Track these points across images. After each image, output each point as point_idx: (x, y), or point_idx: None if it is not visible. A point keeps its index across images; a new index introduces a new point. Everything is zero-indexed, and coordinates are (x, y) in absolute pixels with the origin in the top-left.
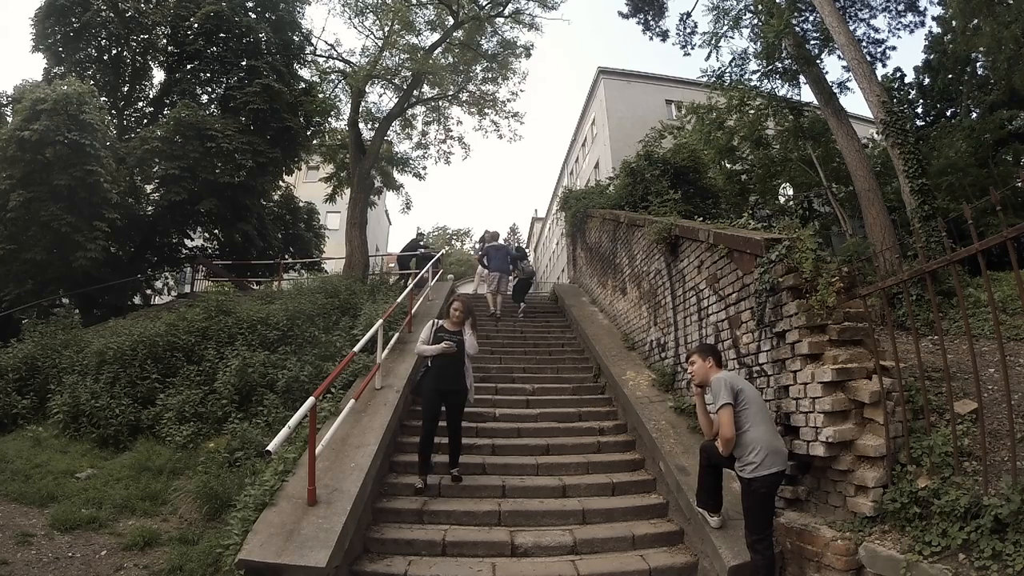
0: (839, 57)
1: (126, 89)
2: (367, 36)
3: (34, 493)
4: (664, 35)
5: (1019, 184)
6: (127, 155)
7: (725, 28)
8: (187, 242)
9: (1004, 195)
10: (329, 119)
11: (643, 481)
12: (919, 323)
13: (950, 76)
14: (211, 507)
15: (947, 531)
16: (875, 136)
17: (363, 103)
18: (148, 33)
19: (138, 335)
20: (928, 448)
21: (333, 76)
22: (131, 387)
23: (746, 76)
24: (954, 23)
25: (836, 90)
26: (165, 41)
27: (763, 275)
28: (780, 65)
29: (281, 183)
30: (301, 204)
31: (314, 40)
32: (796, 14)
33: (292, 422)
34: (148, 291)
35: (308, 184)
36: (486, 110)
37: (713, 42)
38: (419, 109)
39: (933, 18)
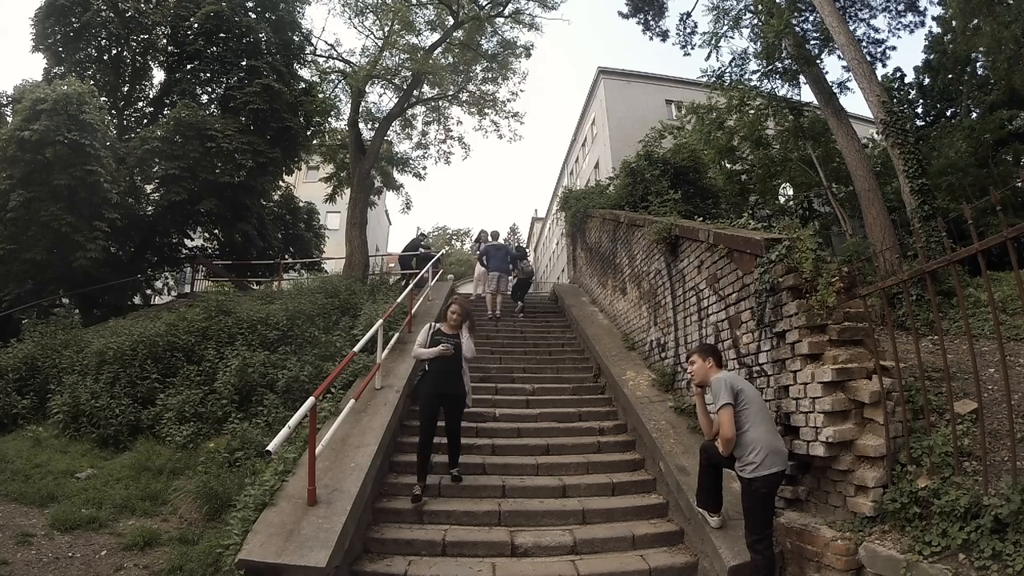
0: (839, 57)
1: (126, 89)
2: (367, 36)
3: (34, 493)
4: (664, 35)
5: (1019, 184)
6: (127, 155)
7: (725, 28)
8: (187, 242)
9: (1004, 195)
10: (329, 119)
11: (643, 481)
12: (919, 323)
13: (950, 76)
14: (211, 507)
15: (947, 531)
16: (875, 136)
17: (363, 103)
18: (148, 33)
19: (138, 335)
20: (928, 448)
21: (333, 76)
22: (131, 387)
23: (746, 76)
24: (954, 23)
25: (836, 90)
26: (165, 41)
27: (763, 275)
28: (780, 65)
29: (281, 183)
30: (301, 204)
31: (314, 40)
32: (796, 14)
33: (292, 422)
34: (148, 291)
35: (308, 184)
36: (486, 110)
37: (713, 42)
38: (419, 109)
39: (933, 18)
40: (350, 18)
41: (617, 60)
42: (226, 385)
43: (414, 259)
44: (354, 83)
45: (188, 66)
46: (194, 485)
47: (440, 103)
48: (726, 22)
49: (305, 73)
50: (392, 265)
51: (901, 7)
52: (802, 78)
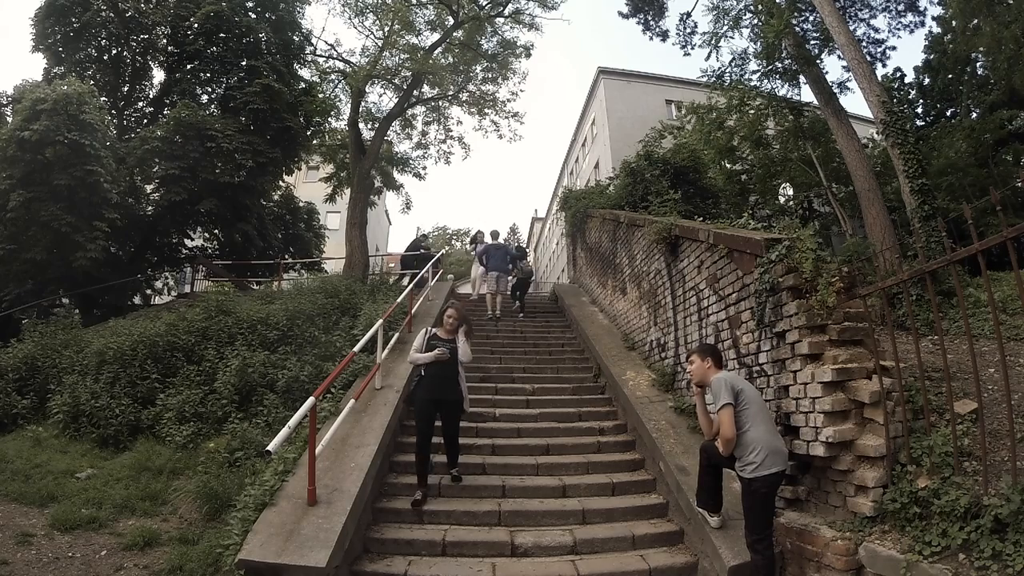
0: (839, 57)
1: (126, 89)
2: (367, 36)
3: (34, 493)
4: (664, 35)
5: (1019, 184)
6: (127, 155)
7: (725, 28)
8: (187, 242)
9: (1004, 195)
10: (329, 119)
11: (643, 481)
12: (919, 323)
13: (950, 76)
14: (211, 507)
15: (947, 531)
16: (875, 136)
17: (363, 103)
18: (148, 33)
19: (138, 335)
20: (928, 448)
21: (333, 76)
22: (131, 387)
23: (746, 76)
24: (954, 23)
25: (836, 90)
26: (165, 41)
27: (763, 275)
28: (780, 65)
29: (281, 183)
30: (301, 204)
31: (314, 40)
32: (796, 14)
33: (292, 422)
34: (148, 291)
35: (308, 184)
36: (486, 110)
37: (713, 42)
38: (419, 109)
39: (933, 18)
40: (350, 18)
41: (617, 60)
42: (226, 385)
43: (415, 259)
44: (354, 83)
45: (188, 66)
46: (194, 485)
47: (440, 103)
48: (726, 22)
49: (305, 73)
50: (392, 265)
51: (901, 7)
52: (802, 78)
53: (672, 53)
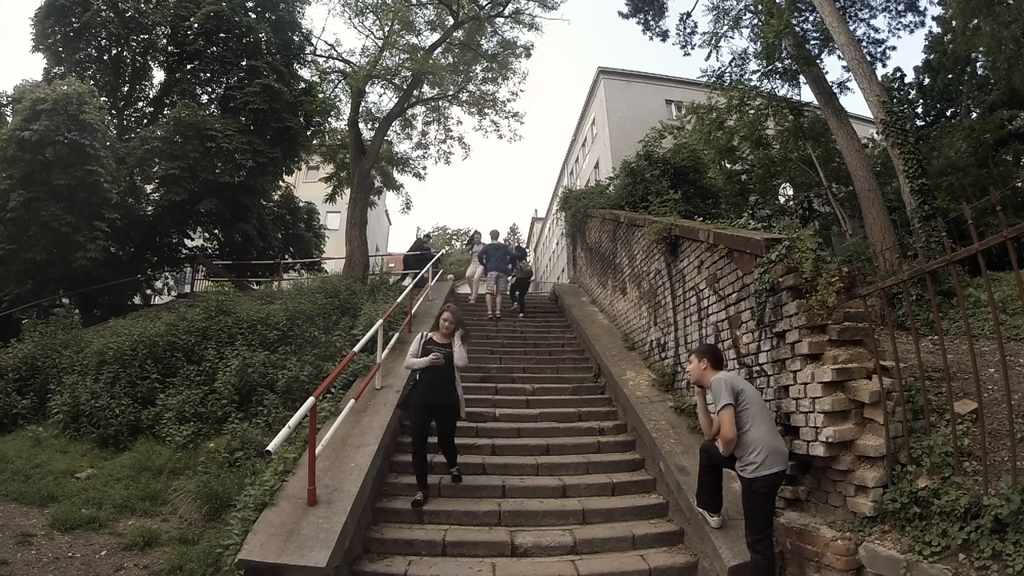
0: (839, 57)
1: (126, 89)
2: (367, 36)
3: (34, 493)
4: (664, 35)
5: (1019, 184)
6: (127, 155)
7: (725, 28)
8: (187, 242)
9: (1004, 195)
10: (329, 119)
11: (643, 481)
12: (919, 323)
13: (950, 76)
14: (211, 507)
15: (947, 531)
16: (875, 136)
17: (363, 103)
18: (148, 33)
19: (138, 335)
20: (928, 448)
21: (333, 76)
22: (131, 387)
23: (746, 76)
24: (954, 23)
25: (836, 90)
26: (165, 41)
27: (763, 275)
28: (780, 65)
29: (281, 183)
30: (301, 204)
31: (314, 40)
32: (796, 14)
33: (292, 422)
34: (148, 291)
35: (308, 184)
36: (486, 110)
37: (713, 42)
38: (419, 109)
39: (933, 18)
40: (350, 18)
41: (617, 60)
42: (226, 385)
43: (418, 259)
44: (354, 83)
45: (188, 66)
46: (194, 485)
47: (440, 103)
48: (726, 22)
49: (305, 73)
50: (392, 265)
51: (901, 7)
52: (802, 78)
53: (672, 53)
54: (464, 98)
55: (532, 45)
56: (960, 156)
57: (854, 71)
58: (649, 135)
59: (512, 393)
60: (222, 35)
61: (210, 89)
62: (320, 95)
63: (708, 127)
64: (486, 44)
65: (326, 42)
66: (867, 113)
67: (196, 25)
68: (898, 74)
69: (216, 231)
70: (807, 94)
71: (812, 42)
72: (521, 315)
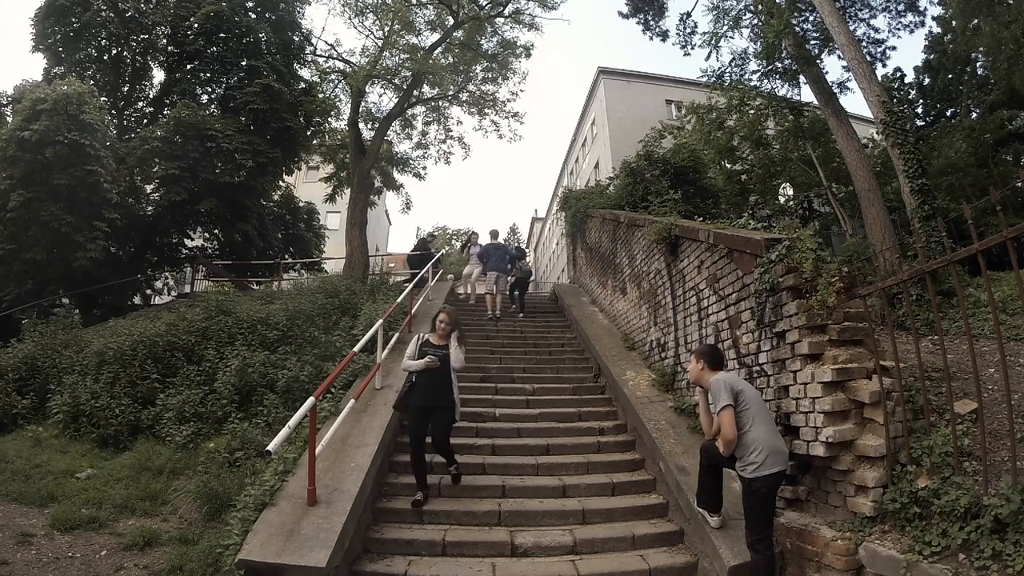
0: (839, 57)
1: (126, 89)
2: (367, 36)
3: (34, 493)
4: (664, 35)
5: (1019, 184)
6: (127, 155)
7: (725, 28)
8: (187, 242)
9: (1004, 195)
10: (329, 119)
11: (643, 481)
12: (919, 323)
13: (950, 76)
14: (211, 507)
15: (947, 531)
16: (875, 136)
17: (363, 103)
18: (148, 33)
19: (138, 335)
20: (928, 448)
21: (333, 76)
22: (131, 387)
23: (746, 76)
24: (954, 23)
25: (836, 90)
26: (165, 41)
27: (763, 275)
28: (780, 65)
29: (281, 183)
30: (301, 204)
31: (314, 40)
32: (796, 14)
33: (292, 422)
34: (148, 291)
35: (308, 184)
36: (486, 110)
37: (713, 42)
38: (419, 109)
39: (933, 18)
40: (350, 18)
41: (617, 60)
42: (226, 385)
43: (421, 259)
44: (354, 83)
45: (188, 66)
46: (194, 485)
47: (440, 103)
48: (726, 22)
49: (305, 73)
50: (392, 265)
51: (901, 7)
52: (802, 78)
53: (672, 53)
54: (464, 98)
55: (532, 45)
56: (960, 156)
57: (854, 71)
58: (649, 135)
59: (512, 393)
60: (222, 35)
61: (210, 89)
62: (320, 95)
63: (708, 127)
64: (486, 44)
65: (326, 42)
66: (867, 113)
67: (196, 25)
68: (898, 74)
69: (216, 231)
70: (807, 94)
71: (812, 42)
72: (521, 315)
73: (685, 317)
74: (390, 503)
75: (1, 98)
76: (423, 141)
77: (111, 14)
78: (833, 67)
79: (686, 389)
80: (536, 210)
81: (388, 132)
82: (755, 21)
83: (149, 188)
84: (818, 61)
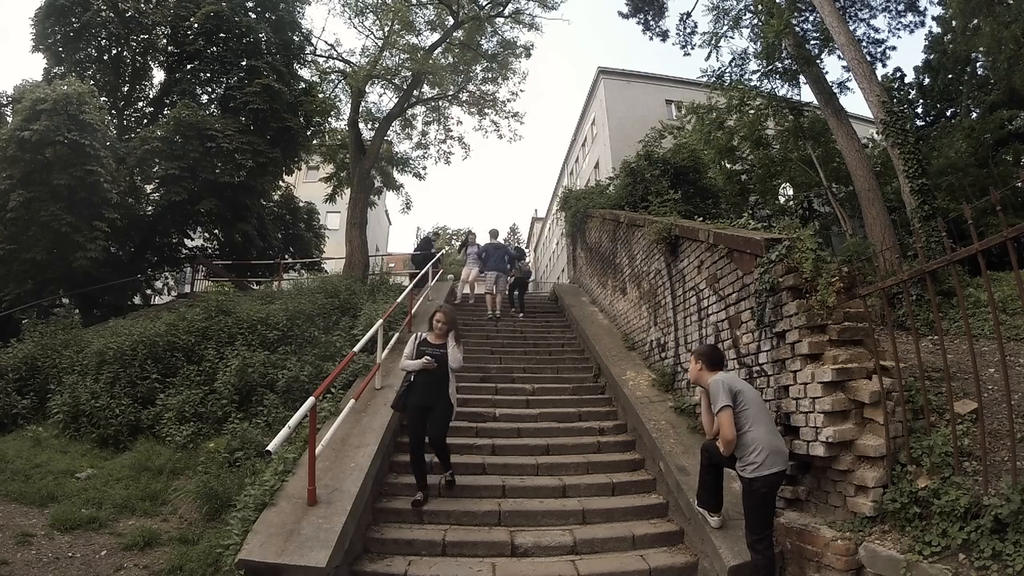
0: (839, 57)
1: (126, 89)
2: (367, 36)
3: (34, 493)
4: (664, 35)
5: (1019, 184)
6: (127, 155)
7: (725, 28)
8: (187, 242)
9: (1004, 195)
10: (329, 119)
11: (643, 481)
12: (919, 323)
13: (950, 76)
14: (211, 507)
15: (947, 531)
16: (875, 136)
17: (363, 103)
18: (148, 33)
19: (138, 335)
20: (928, 448)
21: (333, 76)
22: (131, 387)
23: (746, 76)
24: (954, 23)
25: (836, 90)
26: (165, 41)
27: (763, 275)
28: (780, 65)
29: (281, 183)
30: (301, 204)
31: (314, 40)
32: (796, 14)
33: (292, 422)
34: (148, 291)
35: (308, 184)
36: (486, 110)
37: (713, 42)
38: (419, 109)
39: (933, 18)
40: (350, 18)
41: (617, 60)
42: (226, 385)
43: (425, 259)
44: (354, 83)
45: (188, 66)
46: (194, 485)
47: (440, 103)
48: (726, 22)
49: (305, 73)
50: (392, 265)
51: (901, 7)
52: (802, 78)
53: (672, 53)
54: (464, 98)
55: (532, 45)
56: (960, 156)
57: (854, 71)
58: (649, 135)
59: (512, 393)
60: (222, 35)
61: (210, 89)
62: (320, 95)
63: (708, 127)
64: (486, 44)
65: (326, 42)
66: (867, 113)
67: (196, 25)
68: (898, 74)
69: (216, 231)
70: (807, 94)
71: (812, 42)
72: (521, 315)
73: (685, 317)
74: (390, 503)
75: (1, 98)
76: (423, 141)
77: (111, 14)
78: (833, 67)
79: (686, 389)
80: (536, 210)
81: (388, 132)
82: (755, 21)
83: (149, 188)
84: (818, 61)
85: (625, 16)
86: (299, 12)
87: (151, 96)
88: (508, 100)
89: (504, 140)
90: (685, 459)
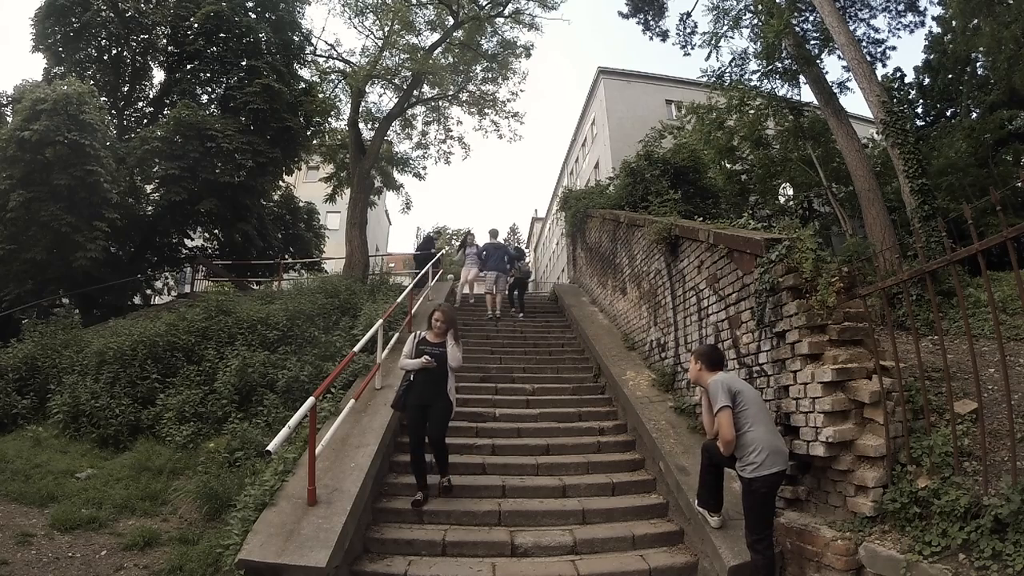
0: (839, 57)
1: (126, 89)
2: (367, 36)
3: (34, 493)
4: (664, 35)
5: (1019, 184)
6: (127, 155)
7: (725, 28)
8: (187, 242)
9: (1004, 195)
10: (329, 119)
11: (643, 481)
12: (919, 323)
13: (950, 76)
14: (211, 507)
15: (947, 531)
16: (875, 136)
17: (363, 103)
18: (148, 33)
19: (138, 335)
20: (928, 448)
21: (333, 76)
22: (131, 387)
23: (746, 76)
24: (954, 23)
25: (836, 90)
26: (165, 41)
27: (763, 275)
28: (780, 65)
29: (281, 183)
30: (301, 204)
31: (314, 40)
32: (796, 14)
33: (292, 422)
34: (148, 291)
35: (308, 184)
36: (486, 110)
37: (713, 42)
38: (419, 109)
39: (933, 18)
40: (350, 18)
41: (617, 60)
42: (226, 385)
43: (428, 258)
44: (354, 83)
45: (188, 66)
46: (194, 485)
47: (440, 103)
48: (726, 22)
49: (305, 73)
50: (392, 265)
51: (901, 7)
52: (802, 78)
53: (672, 53)
54: (464, 98)
55: (532, 45)
56: (960, 156)
57: (854, 71)
58: (649, 135)
59: (512, 393)
60: (222, 35)
61: (210, 89)
62: (320, 95)
63: (708, 127)
64: (486, 44)
65: (326, 42)
66: (867, 113)
67: (196, 25)
68: (898, 74)
69: (216, 231)
70: (807, 94)
71: (812, 42)
72: (521, 315)
73: (685, 317)
74: (390, 503)
75: (1, 98)
76: (423, 141)
77: (111, 14)
78: (833, 67)
79: (686, 389)
80: (536, 210)
81: (388, 132)
82: (755, 21)
83: (149, 188)
84: (818, 61)
85: (625, 16)
86: (299, 12)
87: (151, 96)
88: (508, 100)
89: (504, 140)
90: (685, 459)
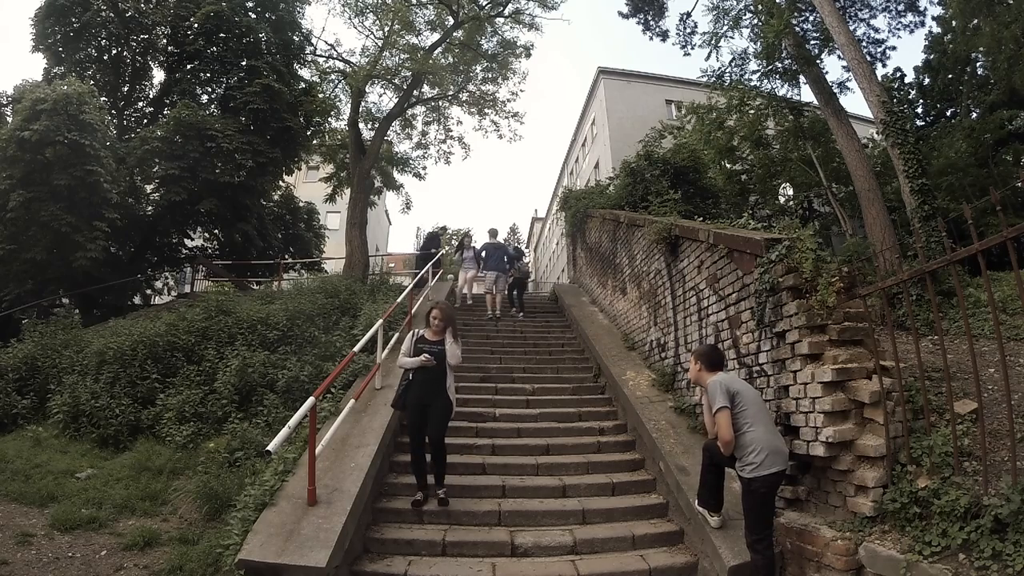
0: (839, 57)
1: (126, 89)
2: (367, 36)
3: (34, 493)
4: (664, 35)
5: (1019, 184)
6: (127, 155)
7: (725, 28)
8: (187, 242)
9: (1004, 195)
10: (329, 119)
11: (643, 481)
12: (919, 323)
13: (950, 76)
14: (211, 507)
15: (947, 531)
16: (875, 136)
17: (363, 103)
18: (148, 33)
19: (138, 335)
20: (928, 448)
21: (333, 76)
22: (131, 387)
23: (746, 76)
24: (954, 23)
25: (836, 90)
26: (165, 41)
27: (763, 275)
28: (780, 65)
29: (281, 183)
30: (301, 204)
31: (314, 40)
32: (796, 14)
33: (292, 422)
34: (148, 291)
35: (308, 184)
36: (486, 110)
37: (713, 42)
38: (419, 109)
39: (933, 18)
40: (350, 18)
41: (617, 60)
42: (226, 385)
43: (430, 257)
44: (354, 83)
45: (188, 66)
46: (194, 485)
47: (440, 103)
48: (726, 22)
49: (305, 73)
50: (392, 265)
51: (901, 7)
52: (802, 78)
53: (672, 53)
54: (464, 98)
55: (532, 45)
56: (960, 156)
57: (854, 71)
58: (649, 135)
59: (512, 393)
60: (222, 35)
61: (210, 89)
62: (320, 95)
63: (708, 127)
64: (486, 44)
65: (326, 42)
66: (867, 113)
67: (196, 25)
68: (898, 74)
69: (216, 231)
70: (807, 94)
71: (812, 42)
72: (520, 315)
73: (685, 317)
74: (390, 503)
75: (1, 98)
76: (423, 141)
77: (111, 14)
78: (833, 67)
79: (686, 389)
80: (536, 210)
81: (388, 132)
82: (755, 21)
83: (149, 188)
84: (818, 61)
85: (625, 16)
86: (299, 12)
87: (151, 96)
88: (508, 100)
89: (504, 140)
90: (685, 459)
